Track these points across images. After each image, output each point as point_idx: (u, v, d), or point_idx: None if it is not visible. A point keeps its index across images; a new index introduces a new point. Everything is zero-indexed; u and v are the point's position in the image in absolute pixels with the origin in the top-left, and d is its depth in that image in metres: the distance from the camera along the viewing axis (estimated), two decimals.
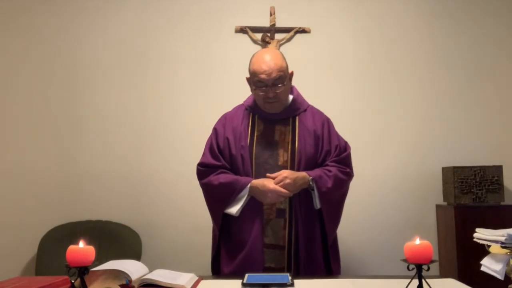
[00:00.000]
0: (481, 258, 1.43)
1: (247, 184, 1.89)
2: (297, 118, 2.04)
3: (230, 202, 1.92)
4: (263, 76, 1.91)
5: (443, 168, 3.03)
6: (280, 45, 3.15)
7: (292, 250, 1.91)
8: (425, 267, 1.18)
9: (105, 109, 3.10)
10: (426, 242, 1.19)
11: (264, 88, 1.94)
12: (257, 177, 1.91)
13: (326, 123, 2.06)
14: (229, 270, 1.91)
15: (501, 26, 3.20)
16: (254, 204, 1.91)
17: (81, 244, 1.26)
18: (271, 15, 3.18)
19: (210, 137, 2.08)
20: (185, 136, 3.05)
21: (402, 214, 3.05)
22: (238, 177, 1.93)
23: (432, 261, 1.18)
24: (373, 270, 2.95)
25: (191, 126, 3.05)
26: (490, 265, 1.38)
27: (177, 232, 3.01)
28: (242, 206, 1.91)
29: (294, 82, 2.12)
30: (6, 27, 3.13)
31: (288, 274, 1.60)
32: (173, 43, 3.16)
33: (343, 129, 2.24)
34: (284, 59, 1.99)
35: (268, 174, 1.89)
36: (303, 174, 1.90)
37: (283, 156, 1.96)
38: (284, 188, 1.84)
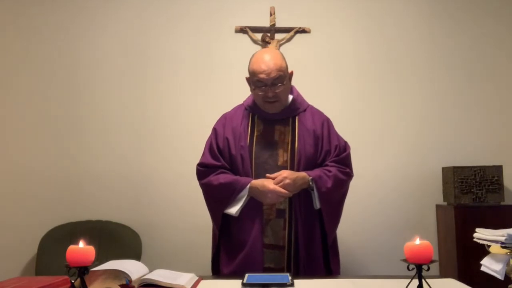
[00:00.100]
0: (481, 258, 1.43)
1: (247, 184, 1.89)
2: (296, 118, 2.04)
3: (230, 202, 1.92)
4: (262, 75, 1.91)
5: (443, 168, 3.03)
6: (280, 45, 3.15)
7: (292, 250, 1.91)
8: (425, 267, 1.18)
9: (105, 109, 3.11)
10: (426, 242, 1.19)
11: (263, 87, 1.94)
12: (256, 177, 1.91)
13: (326, 123, 2.06)
14: (229, 270, 1.91)
15: (501, 26, 3.20)
16: (254, 204, 1.91)
17: (81, 244, 1.26)
18: (271, 15, 3.18)
19: (210, 137, 2.07)
20: (185, 136, 3.05)
21: (402, 214, 3.05)
22: (237, 177, 1.93)
23: (432, 261, 1.18)
24: (373, 270, 2.95)
25: (191, 126, 3.05)
26: (490, 265, 1.38)
27: (177, 232, 3.01)
28: (241, 206, 1.91)
29: (294, 82, 2.12)
30: (6, 27, 3.13)
31: (288, 274, 1.60)
32: (173, 43, 3.16)
33: (343, 129, 2.24)
34: (284, 59, 1.99)
35: (267, 175, 1.89)
36: (302, 174, 1.90)
37: (282, 156, 1.96)
38: (284, 188, 1.84)
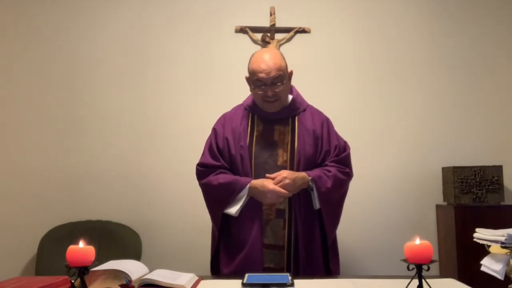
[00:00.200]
0: (481, 258, 1.43)
1: (247, 185, 1.89)
2: (296, 118, 2.04)
3: (230, 202, 1.92)
4: (262, 75, 1.91)
5: (443, 168, 3.03)
6: (280, 45, 3.15)
7: (291, 250, 1.90)
8: (425, 267, 1.18)
9: (105, 109, 3.11)
10: (426, 242, 1.19)
11: (263, 87, 1.94)
12: (256, 177, 1.91)
13: (326, 123, 2.06)
14: (229, 270, 1.91)
15: (501, 26, 3.20)
16: (254, 205, 1.91)
17: (81, 244, 1.26)
18: (271, 15, 3.18)
19: (210, 137, 2.07)
20: (185, 136, 3.05)
21: (402, 214, 3.05)
22: (237, 177, 1.93)
23: (432, 261, 1.18)
24: (373, 270, 2.95)
25: (191, 126, 3.05)
26: (490, 265, 1.38)
27: (177, 232, 3.01)
28: (241, 206, 1.91)
29: (294, 82, 2.12)
30: (6, 27, 3.13)
31: (288, 274, 1.60)
32: (173, 43, 3.16)
33: (343, 129, 2.24)
34: (283, 58, 1.99)
35: (267, 175, 1.89)
36: (302, 174, 1.90)
37: (282, 156, 1.96)
38: (284, 188, 1.84)
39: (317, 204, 1.93)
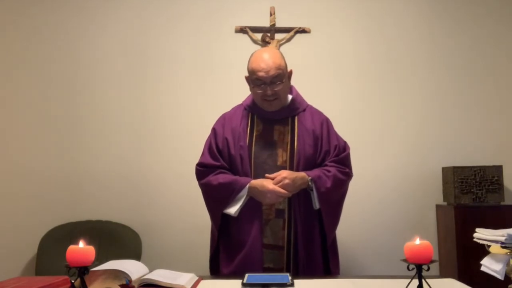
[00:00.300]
0: (481, 258, 1.43)
1: (246, 185, 1.89)
2: (296, 118, 2.04)
3: (229, 202, 1.92)
4: (261, 74, 1.91)
5: (443, 168, 3.03)
6: (280, 45, 3.15)
7: (291, 250, 1.90)
8: (425, 267, 1.18)
9: (105, 109, 3.11)
10: (426, 242, 1.19)
11: (262, 86, 1.94)
12: (256, 177, 1.91)
13: (325, 123, 2.06)
14: (228, 270, 1.91)
15: (501, 26, 3.20)
16: (253, 205, 1.91)
17: (81, 244, 1.26)
18: (271, 15, 3.18)
19: (209, 137, 2.07)
20: (185, 136, 3.05)
21: (402, 214, 3.05)
22: (237, 177, 1.93)
23: (432, 261, 1.18)
24: (373, 270, 2.95)
25: (191, 126, 3.05)
26: (490, 265, 1.38)
27: (177, 232, 3.01)
28: (240, 206, 1.91)
29: (294, 82, 2.12)
30: (6, 27, 3.13)
31: (288, 274, 1.60)
32: (173, 43, 3.16)
33: (343, 129, 2.24)
34: (283, 57, 1.99)
35: (267, 175, 1.89)
36: (302, 174, 1.90)
37: (282, 156, 1.96)
38: (283, 188, 1.84)
39: (316, 204, 1.93)
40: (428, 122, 3.14)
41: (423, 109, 3.15)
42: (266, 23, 3.18)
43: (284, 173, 1.87)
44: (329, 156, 2.00)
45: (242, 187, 1.89)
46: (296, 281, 1.50)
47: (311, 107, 2.11)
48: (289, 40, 3.18)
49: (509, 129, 3.14)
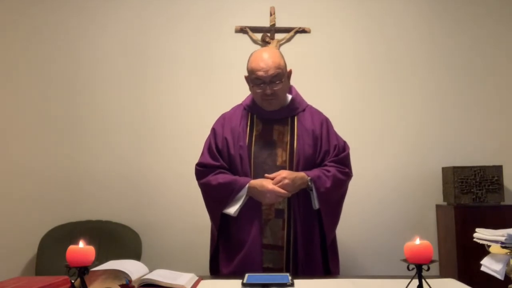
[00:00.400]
0: (481, 258, 1.43)
1: (246, 184, 1.89)
2: (295, 118, 2.04)
3: (229, 202, 1.92)
4: (260, 73, 1.91)
5: (443, 168, 3.03)
6: (280, 45, 3.15)
7: (290, 251, 1.90)
8: (425, 267, 1.18)
9: (105, 109, 3.11)
10: (426, 242, 1.19)
11: (261, 85, 1.94)
12: (255, 177, 1.91)
13: (325, 123, 2.06)
14: (228, 270, 1.91)
15: (501, 26, 3.20)
16: (253, 205, 1.91)
17: (81, 244, 1.26)
18: (271, 15, 3.18)
19: (209, 137, 2.07)
20: (185, 136, 3.05)
21: (402, 214, 3.05)
22: (236, 177, 1.93)
23: (432, 261, 1.18)
24: (373, 270, 2.95)
25: (191, 126, 3.05)
26: (490, 265, 1.38)
27: (177, 232, 3.01)
28: (240, 206, 1.91)
29: (294, 82, 2.12)
30: (6, 27, 3.13)
31: (288, 274, 1.60)
32: (173, 43, 3.16)
33: (343, 129, 2.24)
34: (282, 57, 1.99)
35: (266, 175, 1.89)
36: (301, 174, 1.90)
37: (281, 156, 1.96)
38: (283, 188, 1.84)
39: (316, 204, 1.93)
40: (428, 122, 3.14)
41: (423, 109, 3.15)
42: (266, 23, 3.18)
43: (283, 173, 1.87)
44: (328, 156, 2.00)
45: (241, 187, 1.89)
46: (296, 281, 1.50)
47: (311, 107, 2.11)
48: (289, 40, 3.18)
49: (509, 129, 3.14)
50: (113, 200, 3.03)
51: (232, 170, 1.97)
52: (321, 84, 3.12)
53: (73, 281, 1.27)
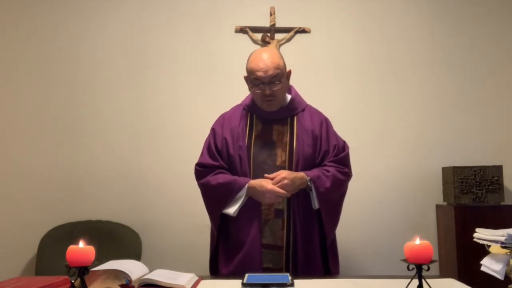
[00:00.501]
0: (481, 258, 1.43)
1: (245, 185, 1.89)
2: (295, 118, 2.03)
3: (228, 202, 1.92)
4: (260, 73, 1.91)
5: (443, 168, 3.03)
6: (280, 45, 3.15)
7: (290, 251, 1.90)
8: (425, 267, 1.18)
9: (105, 109, 3.11)
10: (426, 242, 1.19)
11: (261, 86, 1.93)
12: (255, 177, 1.91)
13: (324, 123, 2.06)
14: (228, 270, 1.91)
15: (501, 26, 3.20)
16: (252, 205, 1.91)
17: (81, 244, 1.26)
18: (271, 15, 3.18)
19: (208, 137, 2.07)
20: (185, 136, 3.05)
21: (402, 214, 3.05)
22: (236, 177, 1.93)
23: (432, 261, 1.18)
24: (373, 270, 2.94)
25: (191, 126, 3.05)
26: (490, 265, 1.38)
27: (177, 232, 3.01)
28: (239, 206, 1.91)
29: (294, 82, 2.12)
30: (6, 27, 3.13)
31: (288, 274, 1.60)
32: (173, 43, 3.16)
33: (343, 129, 2.23)
34: (282, 57, 1.99)
35: (266, 175, 1.88)
36: (301, 174, 1.90)
37: (281, 156, 1.96)
38: (282, 188, 1.84)
39: (316, 204, 1.93)
40: (428, 122, 3.14)
41: (423, 109, 3.15)
42: (266, 23, 3.18)
43: (283, 173, 1.87)
44: (328, 156, 2.00)
45: (241, 187, 1.89)
46: (296, 281, 1.50)
47: (310, 107, 2.11)
48: (289, 40, 3.18)
49: (509, 129, 3.14)
50: (113, 200, 3.03)
51: (232, 170, 1.97)
52: (321, 84, 3.12)
53: (73, 281, 1.27)
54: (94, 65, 3.13)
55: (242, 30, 3.17)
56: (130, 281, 1.41)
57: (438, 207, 3.06)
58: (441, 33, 3.19)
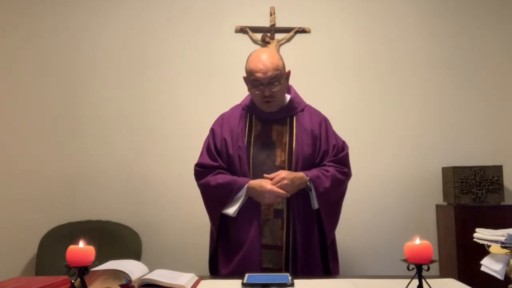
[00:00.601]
0: (481, 258, 1.43)
1: (245, 185, 1.89)
2: (294, 118, 2.03)
3: (228, 202, 1.91)
4: (259, 74, 1.91)
5: (443, 168, 3.03)
6: (280, 45, 3.15)
7: (290, 251, 1.90)
8: (425, 267, 1.18)
9: (105, 109, 3.11)
10: (426, 242, 1.19)
11: (260, 87, 1.93)
12: (254, 177, 1.91)
13: (324, 122, 2.05)
14: (227, 271, 1.91)
15: (502, 26, 3.20)
16: (252, 205, 1.91)
17: (81, 244, 1.26)
18: (271, 15, 3.18)
19: (208, 138, 2.07)
20: (185, 136, 3.05)
21: (402, 214, 3.05)
22: (235, 177, 1.93)
23: (432, 261, 1.18)
24: (373, 270, 2.94)
25: (191, 126, 3.05)
26: (490, 265, 1.38)
27: (177, 232, 3.01)
28: (239, 206, 1.91)
29: (294, 82, 2.12)
30: (6, 27, 3.13)
31: (288, 274, 1.60)
32: (173, 43, 3.16)
33: (343, 129, 2.23)
34: (281, 58, 1.98)
35: (265, 175, 1.88)
36: (300, 174, 1.89)
37: (280, 156, 1.96)
38: (282, 188, 1.84)
39: (315, 204, 1.93)
40: (428, 122, 3.14)
41: (423, 109, 3.15)
42: (266, 23, 3.18)
43: (282, 173, 1.86)
44: (327, 156, 2.00)
45: (240, 187, 1.89)
46: (296, 281, 1.50)
47: (310, 107, 2.11)
48: (289, 40, 3.18)
49: (509, 129, 3.14)
50: (113, 200, 3.03)
51: (231, 170, 1.97)
52: (321, 84, 3.12)
53: (73, 281, 1.27)
54: (94, 65, 3.13)
55: (242, 30, 3.17)
56: (130, 281, 1.41)
57: (438, 207, 3.06)
58: (441, 33, 3.19)
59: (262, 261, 1.88)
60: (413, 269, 1.19)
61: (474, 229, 1.49)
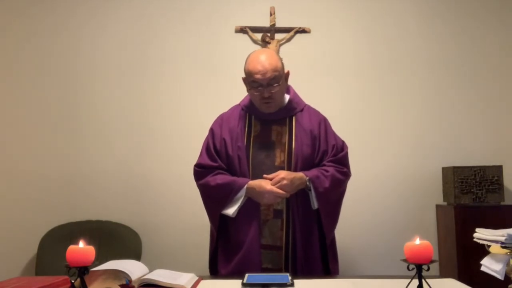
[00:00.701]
0: (481, 258, 1.43)
1: (244, 185, 1.88)
2: (293, 118, 2.03)
3: (227, 203, 1.91)
4: (258, 76, 1.90)
5: (443, 168, 3.03)
6: (280, 45, 3.15)
7: (289, 251, 1.90)
8: (425, 267, 1.18)
9: (105, 109, 3.11)
10: (426, 242, 1.19)
11: (259, 88, 1.93)
12: (254, 178, 1.90)
13: (323, 122, 2.05)
14: (227, 271, 1.91)
15: (502, 26, 3.20)
16: (251, 205, 1.91)
17: (81, 244, 1.26)
18: (271, 15, 3.18)
19: (207, 138, 2.07)
20: (185, 136, 3.05)
21: (402, 214, 3.05)
22: (235, 178, 1.93)
23: (432, 261, 1.18)
24: (373, 270, 2.94)
25: (191, 126, 3.05)
26: (490, 265, 1.38)
27: (177, 232, 3.01)
28: (239, 207, 1.90)
29: (294, 82, 2.12)
30: (6, 27, 3.13)
31: (287, 274, 1.60)
32: (173, 43, 3.16)
33: (343, 129, 2.23)
34: (280, 59, 1.98)
35: (265, 175, 1.88)
36: (300, 174, 1.89)
37: (280, 156, 1.96)
38: (281, 189, 1.84)
39: (315, 204, 1.93)
40: (428, 122, 3.14)
41: (423, 109, 3.15)
42: (266, 23, 3.18)
43: (282, 173, 1.86)
44: (327, 156, 2.00)
45: (240, 187, 1.89)
46: (296, 281, 1.50)
47: (309, 107, 2.11)
48: (289, 40, 3.18)
49: (509, 129, 3.14)
50: (113, 200, 3.03)
51: (231, 170, 1.97)
52: (321, 84, 3.12)
53: (73, 281, 1.27)
54: (94, 65, 3.13)
55: (242, 30, 3.17)
56: (130, 281, 1.41)
57: (438, 207, 3.06)
58: (441, 33, 3.19)
59: (262, 261, 1.88)
60: (413, 269, 1.19)
61: (474, 229, 1.49)
